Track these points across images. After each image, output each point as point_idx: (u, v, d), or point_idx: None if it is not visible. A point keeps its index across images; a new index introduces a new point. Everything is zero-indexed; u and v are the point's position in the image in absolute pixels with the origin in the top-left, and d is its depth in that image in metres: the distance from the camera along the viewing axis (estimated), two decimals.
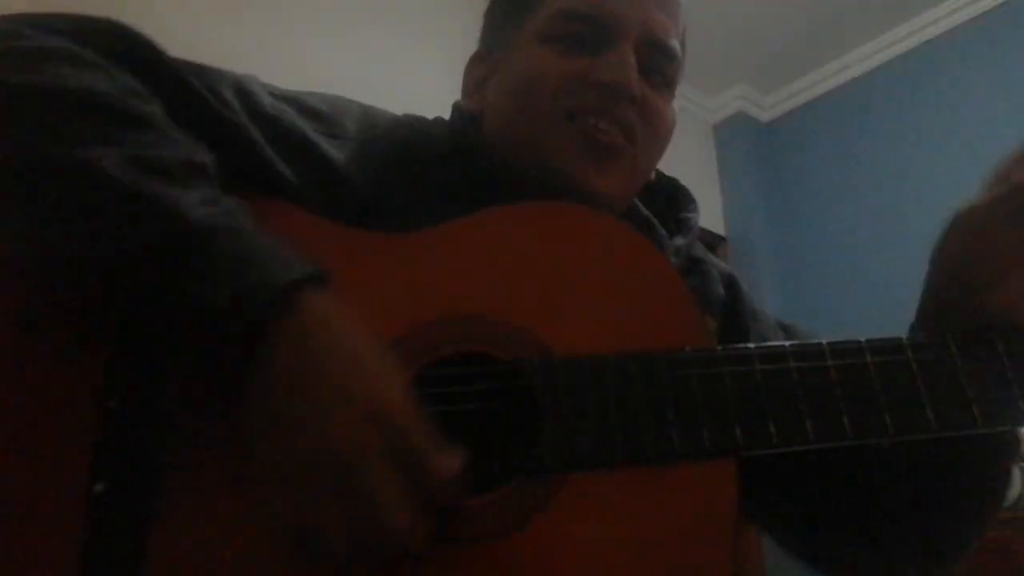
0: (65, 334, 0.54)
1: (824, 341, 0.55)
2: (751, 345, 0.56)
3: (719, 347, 0.56)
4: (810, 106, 3.96)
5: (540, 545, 0.50)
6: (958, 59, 3.44)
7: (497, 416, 0.57)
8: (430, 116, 0.81)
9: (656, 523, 0.51)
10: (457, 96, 0.82)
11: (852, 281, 3.54)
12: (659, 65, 0.74)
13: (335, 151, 0.67)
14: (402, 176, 0.69)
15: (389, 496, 0.45)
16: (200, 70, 0.64)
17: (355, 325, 0.51)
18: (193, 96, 0.61)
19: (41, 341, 0.54)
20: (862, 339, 0.55)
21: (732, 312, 0.79)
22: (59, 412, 0.52)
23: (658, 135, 0.75)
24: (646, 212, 0.80)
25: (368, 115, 0.75)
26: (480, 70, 0.80)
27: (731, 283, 0.82)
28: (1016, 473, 2.55)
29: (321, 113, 0.70)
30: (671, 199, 0.84)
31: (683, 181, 0.86)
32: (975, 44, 3.39)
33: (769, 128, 4.13)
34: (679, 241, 0.78)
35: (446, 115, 0.81)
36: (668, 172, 0.85)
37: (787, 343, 0.56)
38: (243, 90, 0.66)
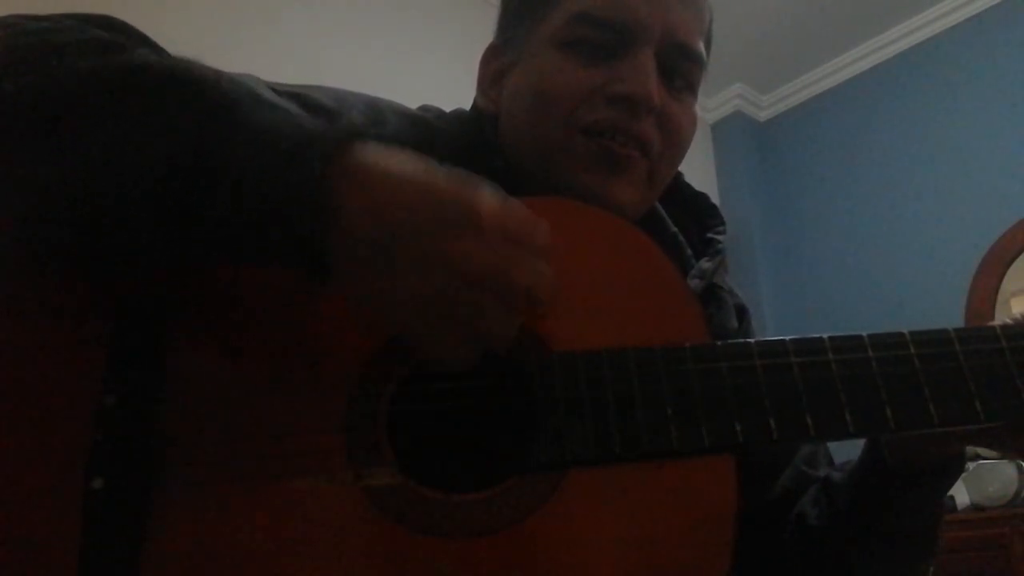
0: (62, 329, 0.54)
1: (825, 336, 0.55)
2: (751, 340, 0.56)
3: (718, 342, 0.56)
4: (808, 105, 3.97)
5: (536, 541, 0.50)
6: (955, 58, 3.45)
7: (495, 413, 0.57)
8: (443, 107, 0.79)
9: (654, 520, 0.51)
10: (465, 89, 0.80)
11: (849, 280, 3.55)
12: (682, 69, 0.71)
13: None
14: None
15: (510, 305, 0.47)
16: None
17: (415, 159, 0.49)
18: None
19: (38, 337, 0.53)
20: (864, 334, 0.55)
21: None
22: (57, 408, 0.51)
23: (677, 144, 0.72)
24: (673, 229, 0.78)
25: (376, 109, 0.72)
26: (496, 64, 0.78)
27: (742, 316, 0.80)
28: (1013, 471, 2.55)
29: (326, 108, 0.68)
30: (698, 214, 0.82)
31: None
32: (971, 44, 3.41)
33: (767, 127, 4.13)
34: (706, 264, 0.75)
35: (457, 105, 0.79)
36: None
37: (787, 338, 0.55)
38: None
